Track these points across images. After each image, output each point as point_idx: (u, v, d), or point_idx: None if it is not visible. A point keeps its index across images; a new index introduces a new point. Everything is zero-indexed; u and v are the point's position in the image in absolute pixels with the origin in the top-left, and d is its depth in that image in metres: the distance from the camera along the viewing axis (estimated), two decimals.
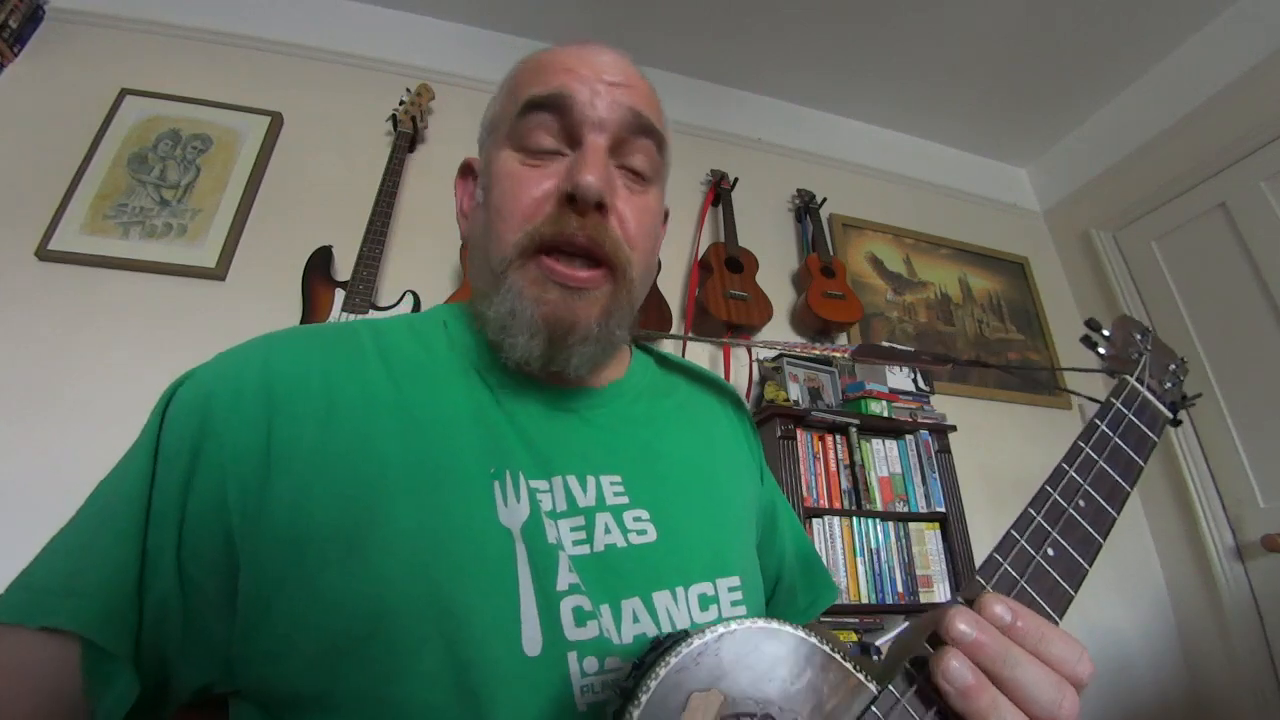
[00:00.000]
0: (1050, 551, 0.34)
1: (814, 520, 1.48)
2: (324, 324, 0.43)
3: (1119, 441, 0.39)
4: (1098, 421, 0.40)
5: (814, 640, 0.29)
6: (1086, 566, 0.34)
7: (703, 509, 0.48)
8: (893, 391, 1.72)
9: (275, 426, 0.37)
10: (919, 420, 1.68)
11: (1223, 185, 1.95)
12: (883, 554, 1.50)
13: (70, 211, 1.47)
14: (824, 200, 2.14)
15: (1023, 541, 0.34)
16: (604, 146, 0.44)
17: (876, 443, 1.64)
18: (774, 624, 0.29)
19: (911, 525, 1.55)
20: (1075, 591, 0.33)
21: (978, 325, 2.23)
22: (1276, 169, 1.81)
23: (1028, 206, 2.61)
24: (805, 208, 2.12)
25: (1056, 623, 0.32)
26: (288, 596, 0.34)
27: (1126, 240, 2.26)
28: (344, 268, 1.54)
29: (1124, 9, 1.93)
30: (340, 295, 1.47)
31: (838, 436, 1.60)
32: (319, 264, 1.53)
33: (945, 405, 1.85)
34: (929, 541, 1.55)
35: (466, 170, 0.54)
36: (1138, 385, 0.42)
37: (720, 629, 0.28)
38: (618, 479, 0.44)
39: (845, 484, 1.56)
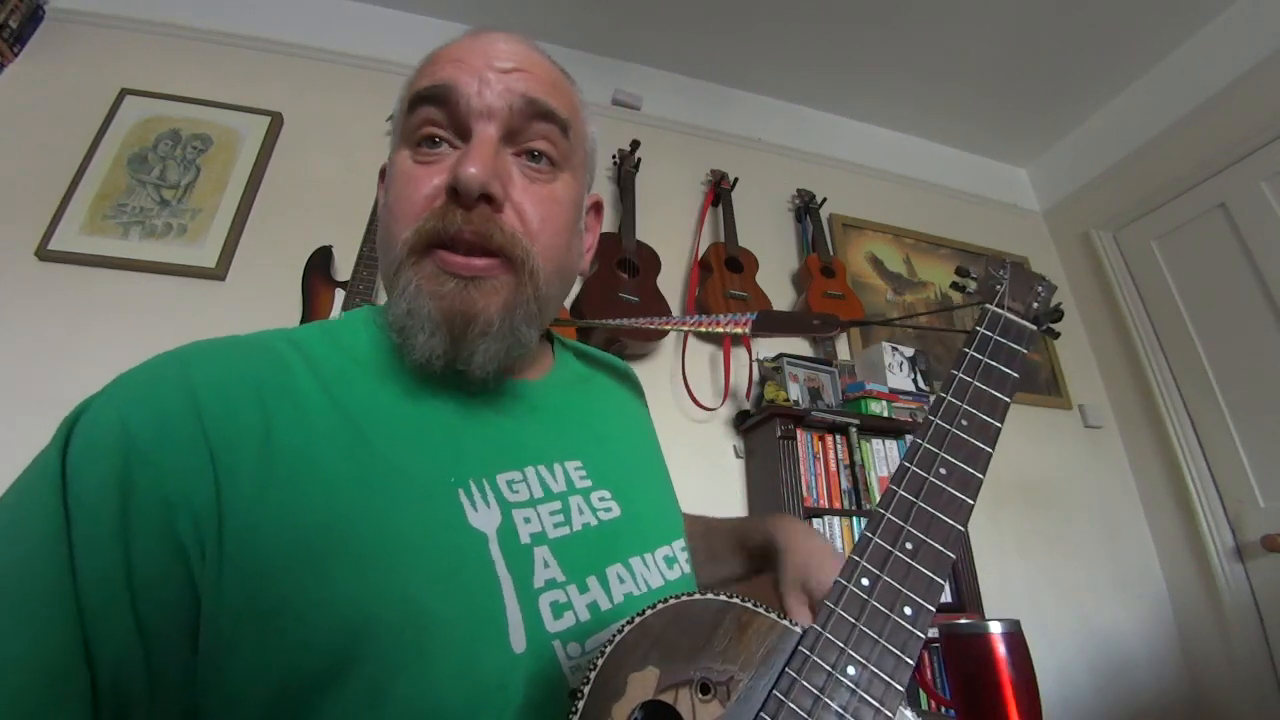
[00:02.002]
0: (943, 470, 0.37)
1: (814, 520, 1.48)
2: (235, 335, 0.40)
3: (989, 361, 0.42)
4: (965, 349, 0.43)
5: (733, 599, 0.32)
6: (980, 476, 0.37)
7: (648, 483, 0.54)
8: (893, 391, 1.72)
9: (215, 447, 0.33)
10: (919, 420, 1.68)
11: (1223, 185, 1.95)
12: None
13: (70, 211, 1.47)
14: (824, 200, 2.14)
15: (913, 468, 0.37)
16: (494, 136, 0.42)
17: (876, 443, 1.64)
18: (695, 596, 0.32)
19: None
20: (973, 500, 0.36)
21: None
22: (1276, 169, 1.81)
23: (1028, 206, 2.61)
24: (805, 208, 2.12)
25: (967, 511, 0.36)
26: (253, 634, 0.32)
27: (1126, 240, 2.26)
28: (344, 268, 1.54)
29: (1124, 9, 1.93)
30: (340, 295, 1.47)
31: (838, 436, 1.60)
32: (319, 264, 1.53)
33: None
34: None
35: (382, 175, 0.50)
36: (997, 309, 0.46)
37: (648, 611, 0.31)
38: (579, 464, 0.47)
39: (845, 484, 1.56)
